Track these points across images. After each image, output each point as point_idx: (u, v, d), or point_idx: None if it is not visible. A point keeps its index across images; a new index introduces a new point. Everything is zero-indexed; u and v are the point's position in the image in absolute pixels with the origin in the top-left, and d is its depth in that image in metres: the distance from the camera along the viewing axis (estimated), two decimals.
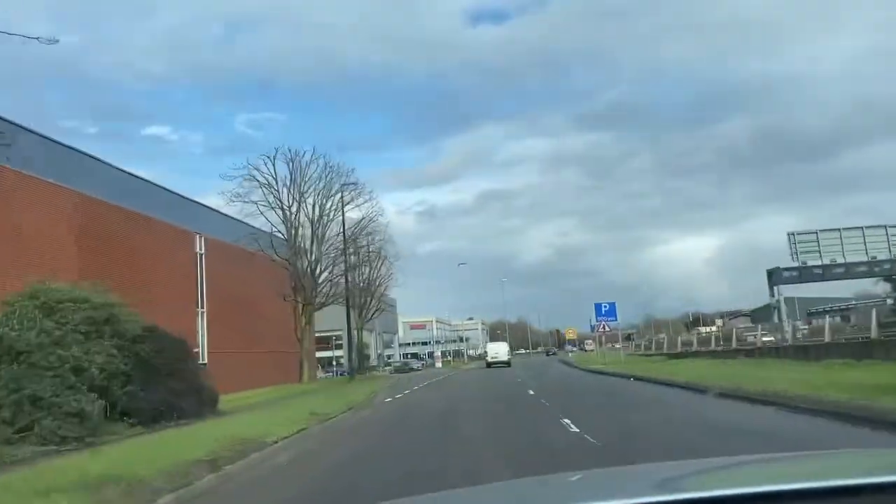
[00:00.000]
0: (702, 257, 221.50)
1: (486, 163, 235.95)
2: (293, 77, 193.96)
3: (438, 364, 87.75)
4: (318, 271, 50.39)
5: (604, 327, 49.67)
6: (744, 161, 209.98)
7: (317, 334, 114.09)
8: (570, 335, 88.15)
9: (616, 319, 49.35)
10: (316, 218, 49.87)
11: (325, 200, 50.29)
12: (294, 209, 48.83)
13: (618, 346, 72.62)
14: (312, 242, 49.45)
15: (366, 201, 53.22)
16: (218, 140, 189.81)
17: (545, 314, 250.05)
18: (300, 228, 48.70)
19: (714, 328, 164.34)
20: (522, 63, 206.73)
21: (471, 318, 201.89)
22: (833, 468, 2.22)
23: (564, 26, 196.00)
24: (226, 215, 45.50)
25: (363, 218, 54.46)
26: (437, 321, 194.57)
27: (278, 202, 48.28)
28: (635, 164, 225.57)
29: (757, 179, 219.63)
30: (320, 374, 72.98)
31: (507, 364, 70.26)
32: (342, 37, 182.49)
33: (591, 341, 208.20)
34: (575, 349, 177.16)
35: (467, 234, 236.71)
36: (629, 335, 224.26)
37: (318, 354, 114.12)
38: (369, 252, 65.11)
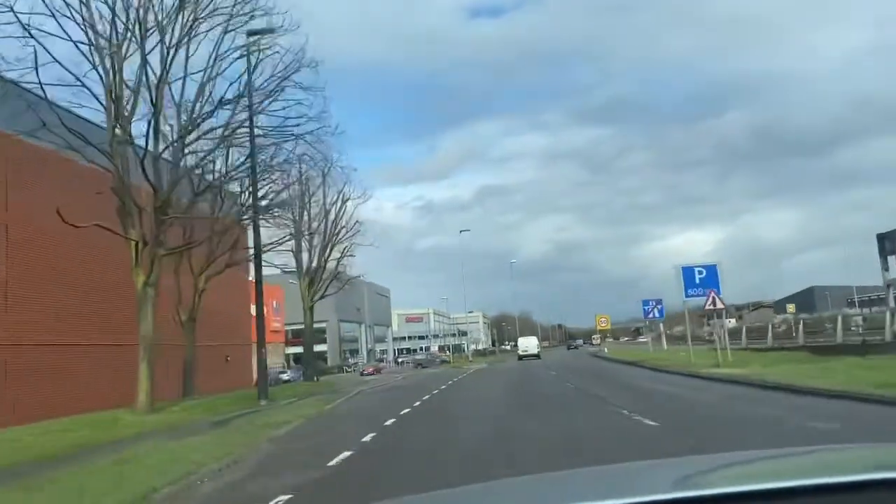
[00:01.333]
0: (701, 251, 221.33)
1: (484, 158, 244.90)
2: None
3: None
4: (181, 167, 26.10)
5: (714, 300, 29.28)
6: (742, 156, 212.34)
7: (291, 326, 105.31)
8: (603, 325, 74.24)
9: (720, 290, 30.46)
10: (168, 58, 23.62)
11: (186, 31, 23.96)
12: (126, 48, 22.81)
13: (643, 338, 66.14)
14: (155, 102, 23.60)
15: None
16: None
17: (545, 309, 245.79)
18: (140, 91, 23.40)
19: (734, 320, 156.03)
20: (520, 58, 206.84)
21: (471, 312, 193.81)
22: (839, 464, 2.13)
23: (563, 21, 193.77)
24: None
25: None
26: (434, 313, 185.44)
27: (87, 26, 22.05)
28: (634, 160, 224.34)
29: (755, 174, 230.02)
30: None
31: (537, 356, 73.19)
32: (339, 31, 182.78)
33: (597, 336, 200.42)
34: (580, 343, 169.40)
35: (465, 228, 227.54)
36: (637, 329, 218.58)
37: (290, 350, 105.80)
38: (310, 163, 39.24)
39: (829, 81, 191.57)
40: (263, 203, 32.38)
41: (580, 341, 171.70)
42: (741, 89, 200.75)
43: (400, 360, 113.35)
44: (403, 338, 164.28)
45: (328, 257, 52.99)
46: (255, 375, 55.92)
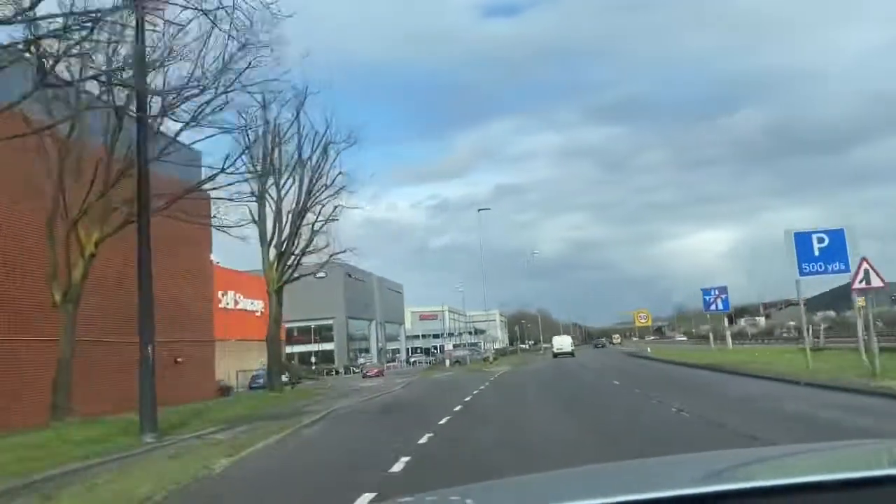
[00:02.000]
0: (716, 251, 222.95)
1: (499, 157, 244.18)
2: (301, 70, 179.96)
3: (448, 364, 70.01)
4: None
5: (867, 275, 19.55)
6: (758, 154, 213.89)
7: (296, 323, 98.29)
8: (643, 322, 66.25)
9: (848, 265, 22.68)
10: None
11: None
12: None
13: (679, 337, 60.89)
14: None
15: None
16: (228, 136, 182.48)
17: (561, 307, 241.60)
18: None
19: (762, 319, 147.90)
20: (535, 57, 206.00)
21: (489, 311, 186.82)
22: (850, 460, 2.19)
23: (577, 19, 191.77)
24: None
25: None
26: (449, 311, 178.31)
27: None
28: (649, 158, 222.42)
29: (771, 173, 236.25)
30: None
31: (572, 354, 73.96)
32: (354, 30, 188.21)
33: (617, 335, 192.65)
34: (605, 341, 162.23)
35: (481, 227, 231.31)
36: (660, 328, 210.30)
37: (294, 349, 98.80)
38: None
39: (846, 79, 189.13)
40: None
41: (605, 340, 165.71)
42: (757, 87, 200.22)
43: (412, 359, 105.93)
44: (417, 336, 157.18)
45: (301, 223, 41.38)
46: (229, 382, 47.42)
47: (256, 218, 35.23)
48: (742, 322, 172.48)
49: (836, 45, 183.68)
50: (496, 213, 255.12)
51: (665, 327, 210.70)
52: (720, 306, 41.92)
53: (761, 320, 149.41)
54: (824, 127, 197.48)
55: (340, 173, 40.25)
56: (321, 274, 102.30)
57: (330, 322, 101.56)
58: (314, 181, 39.31)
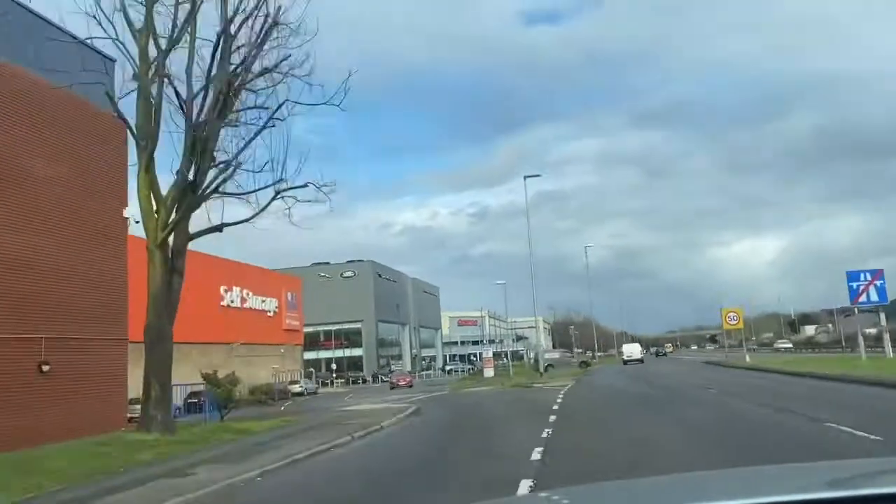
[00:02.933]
0: (763, 259, 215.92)
1: (540, 163, 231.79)
2: (342, 79, 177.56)
3: (490, 371, 59.34)
4: None
5: None
6: (808, 160, 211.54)
7: (321, 326, 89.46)
8: (732, 323, 54.97)
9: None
10: None
11: None
12: None
13: (783, 344, 51.08)
14: None
15: None
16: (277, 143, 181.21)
17: (605, 315, 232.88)
18: None
19: (821, 327, 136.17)
20: (578, 63, 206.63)
21: (536, 316, 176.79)
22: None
23: (620, 25, 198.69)
24: None
25: None
26: (489, 316, 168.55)
27: None
28: (693, 163, 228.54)
29: (821, 179, 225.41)
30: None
31: (641, 361, 75.62)
32: (397, 37, 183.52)
33: (668, 344, 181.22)
34: (668, 349, 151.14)
35: (521, 235, 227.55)
36: (713, 336, 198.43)
37: (320, 354, 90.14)
38: None
39: None
40: None
41: (668, 346, 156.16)
42: (807, 90, 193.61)
43: (449, 367, 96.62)
44: (455, 342, 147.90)
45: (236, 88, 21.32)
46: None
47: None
48: (810, 329, 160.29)
49: (889, 46, 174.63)
50: (537, 220, 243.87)
51: (719, 336, 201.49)
52: (874, 297, 31.33)
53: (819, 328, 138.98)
54: (877, 131, 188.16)
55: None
56: (349, 273, 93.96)
57: (358, 326, 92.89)
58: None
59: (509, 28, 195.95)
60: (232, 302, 54.61)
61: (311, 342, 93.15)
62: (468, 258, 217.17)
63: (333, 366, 72.25)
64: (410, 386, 56.25)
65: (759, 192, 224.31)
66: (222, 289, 53.41)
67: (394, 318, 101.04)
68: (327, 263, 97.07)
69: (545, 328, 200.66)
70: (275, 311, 62.03)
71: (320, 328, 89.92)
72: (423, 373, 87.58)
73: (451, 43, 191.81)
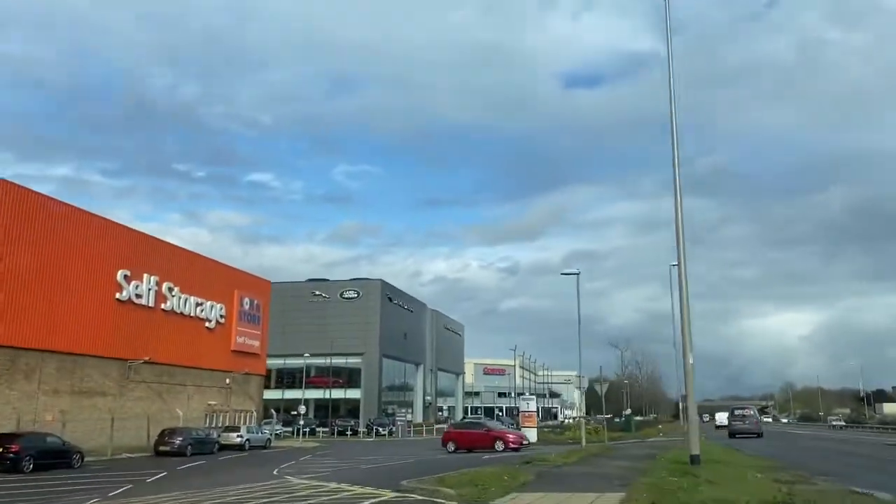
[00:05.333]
0: (798, 333, 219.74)
1: (575, 223, 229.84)
2: (390, 131, 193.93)
3: (532, 436, 36.74)
4: None
5: None
6: (847, 235, 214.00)
7: (312, 360, 68.66)
8: None
9: None
10: None
11: None
12: None
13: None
14: None
15: None
16: (317, 188, 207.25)
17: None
18: None
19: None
20: (616, 127, 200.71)
21: (558, 372, 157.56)
22: None
23: (659, 92, 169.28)
24: None
25: None
26: (520, 366, 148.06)
27: None
28: (731, 232, 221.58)
29: (861, 255, 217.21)
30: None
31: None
32: (439, 95, 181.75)
33: (749, 407, 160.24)
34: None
35: (551, 292, 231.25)
36: (764, 407, 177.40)
37: (308, 394, 68.32)
38: None
39: None
40: None
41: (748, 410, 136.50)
42: (847, 164, 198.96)
43: (467, 419, 75.89)
44: (477, 393, 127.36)
45: None
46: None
47: None
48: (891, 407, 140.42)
49: None
50: (568, 279, 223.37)
51: (769, 406, 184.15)
52: None
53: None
54: None
55: None
56: (351, 293, 74.55)
57: (357, 361, 73.03)
58: None
59: (549, 90, 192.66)
60: (137, 297, 35.56)
61: (293, 377, 73.93)
62: (496, 312, 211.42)
63: (302, 408, 52.46)
64: (517, 448, 33.35)
65: (797, 264, 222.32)
66: (120, 275, 34.44)
67: (405, 355, 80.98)
68: (325, 280, 77.90)
69: (581, 387, 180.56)
70: (219, 322, 42.86)
71: (311, 361, 70.49)
72: (437, 426, 67.44)
73: (493, 101, 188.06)
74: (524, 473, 15.71)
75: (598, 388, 27.61)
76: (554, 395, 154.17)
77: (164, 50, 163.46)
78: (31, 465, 23.54)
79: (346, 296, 74.02)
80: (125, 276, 34.74)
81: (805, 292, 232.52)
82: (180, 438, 32.59)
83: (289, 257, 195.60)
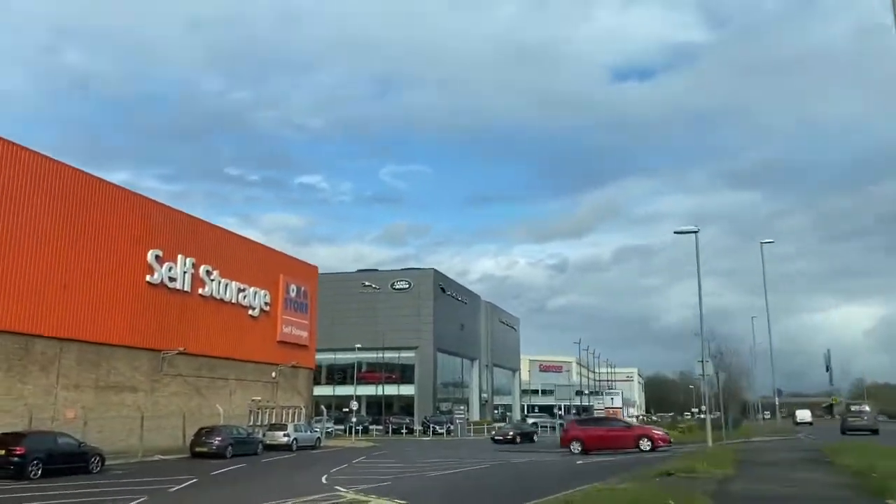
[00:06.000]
0: (859, 327, 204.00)
1: (625, 218, 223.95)
2: (437, 130, 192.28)
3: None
4: None
5: None
6: None
7: (363, 354, 64.33)
8: None
9: None
10: None
11: None
12: None
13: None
14: None
15: None
16: (366, 189, 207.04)
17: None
18: None
19: None
20: (667, 120, 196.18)
21: (615, 368, 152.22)
22: None
23: (713, 83, 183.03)
24: None
25: None
26: (578, 363, 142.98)
27: None
28: (787, 225, 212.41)
29: None
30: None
31: (811, 424, 68.85)
32: (488, 92, 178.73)
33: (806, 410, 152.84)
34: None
35: (602, 289, 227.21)
36: (829, 406, 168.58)
37: (360, 391, 63.92)
38: None
39: None
40: None
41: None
42: None
43: (533, 420, 70.89)
44: (535, 391, 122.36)
45: None
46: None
47: None
48: None
49: None
50: (617, 275, 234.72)
51: (851, 404, 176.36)
52: None
53: None
54: None
55: None
56: (402, 283, 70.42)
57: (410, 355, 68.94)
58: None
59: (599, 83, 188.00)
60: (171, 280, 31.90)
61: (343, 373, 70.18)
62: (544, 310, 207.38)
63: (354, 404, 48.35)
64: (664, 448, 28.49)
65: (856, 258, 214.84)
66: (151, 255, 30.80)
67: (459, 348, 76.62)
68: (375, 270, 74.04)
69: (640, 382, 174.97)
70: (263, 310, 39.08)
71: (362, 356, 66.65)
72: (496, 425, 62.86)
73: (541, 97, 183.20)
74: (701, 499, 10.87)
75: (703, 380, 22.72)
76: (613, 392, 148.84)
77: (214, 57, 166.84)
78: (40, 471, 19.87)
79: (397, 286, 70.01)
80: (157, 257, 31.08)
81: (867, 285, 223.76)
82: (219, 438, 28.80)
83: (340, 257, 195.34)
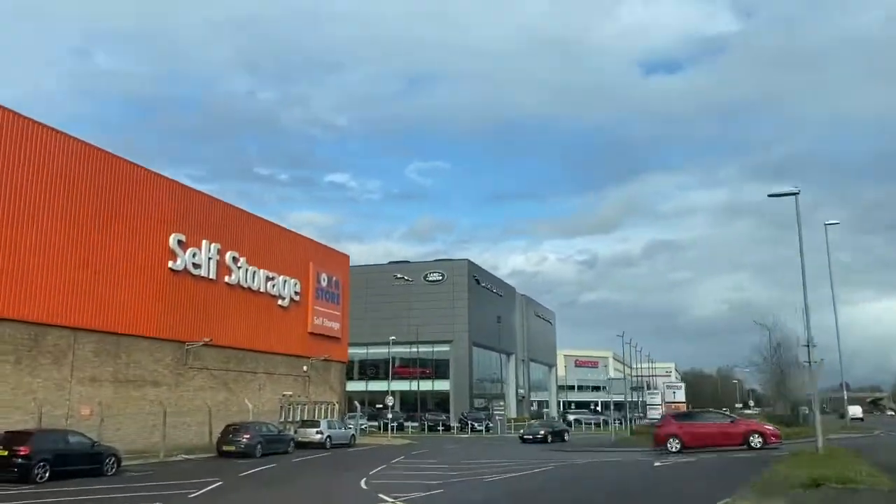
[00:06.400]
0: None
1: (654, 213, 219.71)
2: (462, 126, 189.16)
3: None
4: None
5: None
6: None
7: (396, 349, 61.62)
8: None
9: None
10: None
11: None
12: None
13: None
14: None
15: None
16: (393, 187, 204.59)
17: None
18: None
19: None
20: (696, 113, 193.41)
21: (655, 363, 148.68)
22: None
23: (742, 76, 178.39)
24: None
25: None
26: (615, 359, 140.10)
27: None
28: (819, 218, 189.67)
29: None
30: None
31: (861, 419, 65.09)
32: (513, 87, 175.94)
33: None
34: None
35: (632, 284, 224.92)
36: (877, 399, 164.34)
37: (394, 386, 61.55)
38: None
39: None
40: None
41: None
42: None
43: (571, 417, 68.04)
44: (571, 387, 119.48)
45: None
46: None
47: None
48: None
49: None
50: (647, 270, 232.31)
51: (884, 400, 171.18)
52: None
53: None
54: None
55: None
56: (436, 275, 67.94)
57: (445, 349, 66.49)
58: None
59: (626, 77, 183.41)
60: (195, 267, 29.78)
61: (376, 368, 67.95)
62: (575, 305, 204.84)
63: (389, 399, 45.92)
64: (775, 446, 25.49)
65: (890, 250, 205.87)
66: (173, 239, 28.68)
67: (495, 342, 74.01)
68: (406, 262, 71.66)
69: (677, 377, 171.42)
70: (293, 300, 36.87)
71: (395, 350, 64.46)
72: (533, 422, 60.10)
73: (566, 92, 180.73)
74: None
75: (808, 368, 19.69)
76: (651, 387, 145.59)
77: (242, 58, 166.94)
78: (47, 473, 17.75)
79: (430, 278, 67.59)
80: (179, 242, 28.97)
81: None
82: (248, 436, 26.62)
83: (369, 255, 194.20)
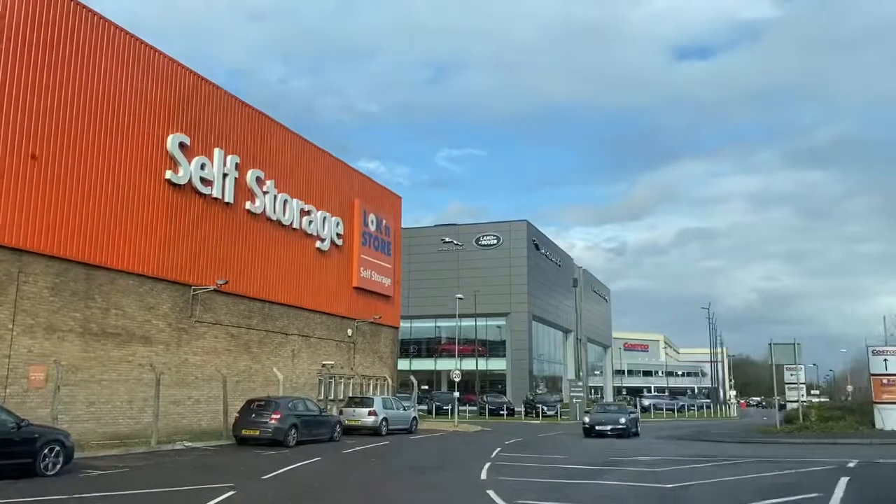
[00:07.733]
0: None
1: (686, 200, 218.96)
2: (492, 113, 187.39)
3: None
4: None
5: None
6: None
7: (441, 321, 49.94)
8: None
9: None
10: None
11: None
12: None
13: None
14: None
15: None
16: (422, 174, 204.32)
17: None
18: None
19: None
20: (730, 99, 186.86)
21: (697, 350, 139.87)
22: None
23: (778, 60, 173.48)
24: None
25: None
26: (666, 342, 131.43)
27: None
28: (857, 205, 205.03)
29: None
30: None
31: None
32: (543, 73, 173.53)
33: None
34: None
35: (663, 272, 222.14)
36: None
37: (440, 365, 51.81)
38: None
39: None
40: None
41: None
42: None
43: (647, 401, 59.31)
44: (622, 371, 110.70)
45: None
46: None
47: None
48: None
49: None
50: (678, 257, 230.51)
51: None
52: None
53: None
54: None
55: None
56: (490, 238, 59.27)
57: (500, 322, 57.97)
58: None
59: (658, 63, 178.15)
60: (204, 183, 21.57)
61: (419, 345, 59.79)
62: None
63: (456, 374, 37.64)
64: None
65: None
66: (172, 141, 20.45)
67: (555, 318, 65.28)
68: (454, 225, 63.15)
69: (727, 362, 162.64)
70: (334, 243, 28.64)
71: (440, 323, 56.22)
72: (593, 407, 51.49)
73: (597, 78, 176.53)
74: None
75: None
76: (701, 373, 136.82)
77: (275, 46, 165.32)
78: None
79: (483, 242, 59.10)
80: (181, 145, 20.79)
81: None
82: (277, 416, 18.52)
83: None
